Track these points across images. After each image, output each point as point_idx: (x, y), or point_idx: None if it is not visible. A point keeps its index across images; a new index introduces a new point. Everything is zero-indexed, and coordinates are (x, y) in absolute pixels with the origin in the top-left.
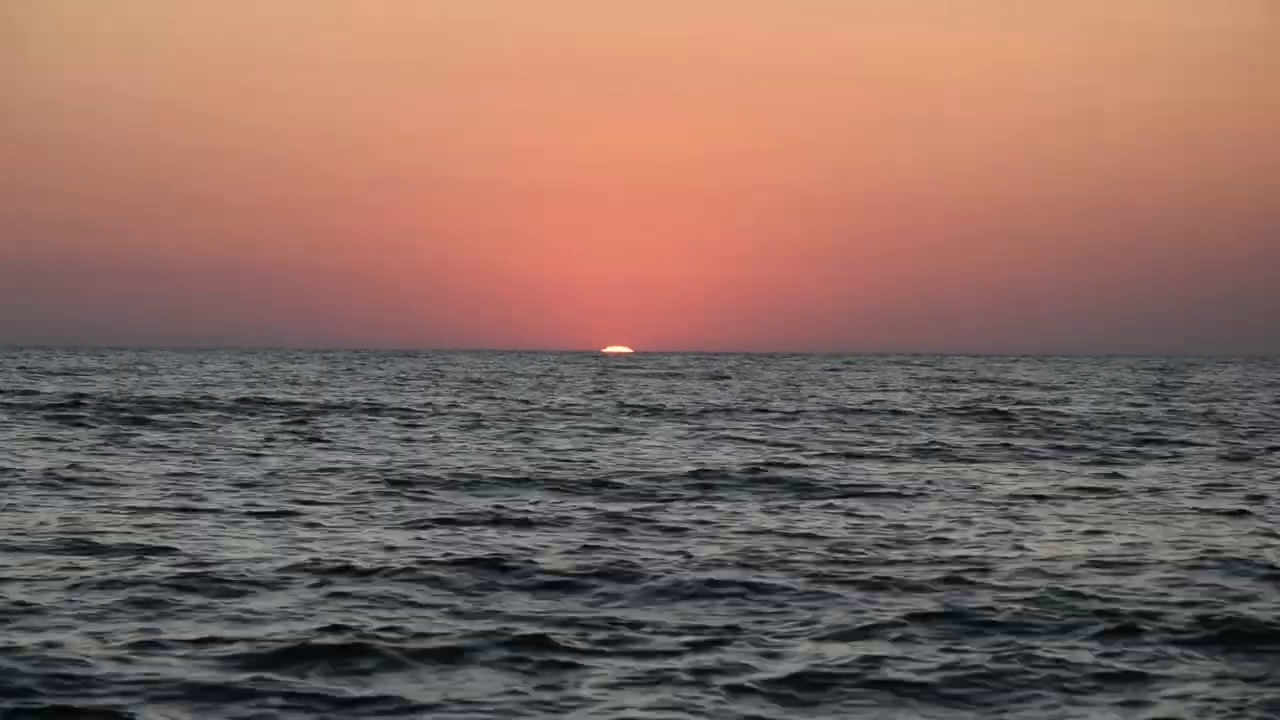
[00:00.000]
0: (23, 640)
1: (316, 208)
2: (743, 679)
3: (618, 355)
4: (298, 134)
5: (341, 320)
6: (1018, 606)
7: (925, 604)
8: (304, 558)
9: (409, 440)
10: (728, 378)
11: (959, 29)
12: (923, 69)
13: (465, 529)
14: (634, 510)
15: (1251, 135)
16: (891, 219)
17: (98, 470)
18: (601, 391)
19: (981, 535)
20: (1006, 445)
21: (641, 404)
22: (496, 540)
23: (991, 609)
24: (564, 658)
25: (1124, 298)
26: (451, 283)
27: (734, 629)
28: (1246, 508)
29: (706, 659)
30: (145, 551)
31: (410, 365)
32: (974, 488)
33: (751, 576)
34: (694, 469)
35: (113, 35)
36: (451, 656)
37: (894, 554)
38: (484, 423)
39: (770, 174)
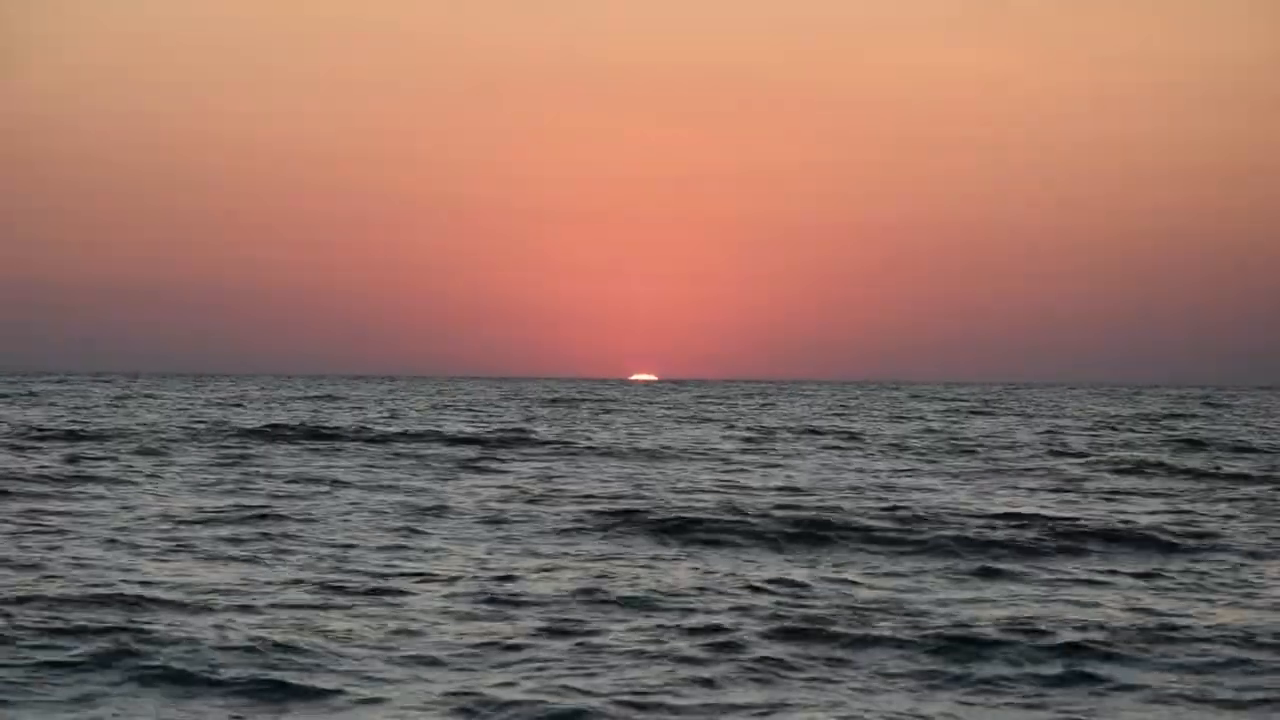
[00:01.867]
0: None
1: (326, 225)
2: None
3: (647, 383)
4: (305, 150)
5: (345, 344)
6: None
7: None
8: None
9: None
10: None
11: (976, 47)
12: (957, 91)
13: None
14: None
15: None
16: (924, 240)
17: None
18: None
19: None
20: None
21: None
22: None
23: None
24: None
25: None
26: (464, 307)
27: None
28: None
29: None
30: None
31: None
32: None
33: None
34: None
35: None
36: None
37: None
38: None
39: (790, 199)
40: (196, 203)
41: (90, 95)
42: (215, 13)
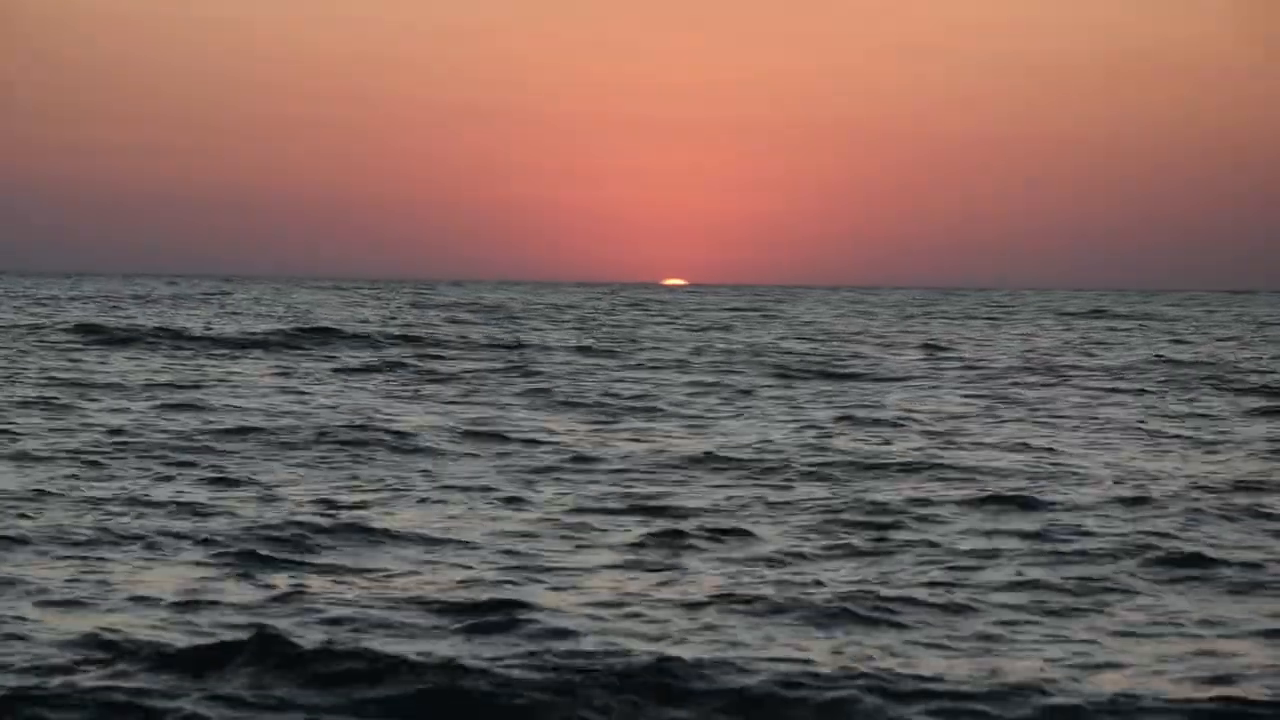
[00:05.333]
0: None
1: (360, 132)
2: None
3: (678, 288)
4: (350, 56)
5: (381, 247)
6: None
7: None
8: None
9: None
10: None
11: None
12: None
13: None
14: None
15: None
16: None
17: None
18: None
19: None
20: None
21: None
22: None
23: None
24: None
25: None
26: (493, 213)
27: None
28: None
29: None
30: None
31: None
32: None
33: None
34: None
35: None
36: None
37: None
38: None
39: (814, 106)
40: (212, 108)
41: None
42: None
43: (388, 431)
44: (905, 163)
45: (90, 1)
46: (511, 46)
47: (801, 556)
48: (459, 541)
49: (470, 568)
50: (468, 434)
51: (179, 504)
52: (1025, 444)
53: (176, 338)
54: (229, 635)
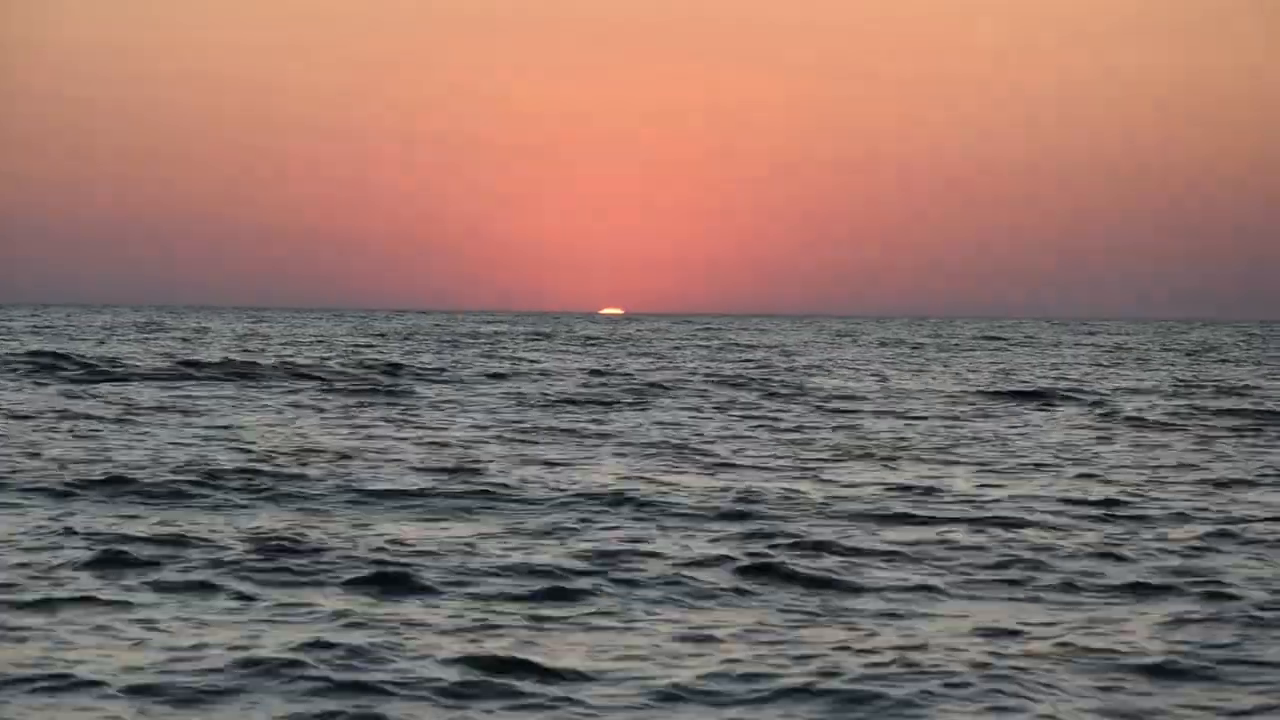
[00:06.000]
0: None
1: (307, 163)
2: None
3: (615, 317)
4: (302, 91)
5: (323, 280)
6: None
7: None
8: None
9: None
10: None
11: None
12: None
13: None
14: None
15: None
16: (889, 181)
17: None
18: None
19: None
20: None
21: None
22: None
23: None
24: None
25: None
26: (432, 242)
27: None
28: None
29: None
30: None
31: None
32: None
33: None
34: None
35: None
36: None
37: None
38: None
39: (762, 136)
40: (185, 141)
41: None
42: None
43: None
44: (861, 192)
45: None
46: (448, 75)
47: None
48: None
49: None
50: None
51: None
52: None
53: None
54: None
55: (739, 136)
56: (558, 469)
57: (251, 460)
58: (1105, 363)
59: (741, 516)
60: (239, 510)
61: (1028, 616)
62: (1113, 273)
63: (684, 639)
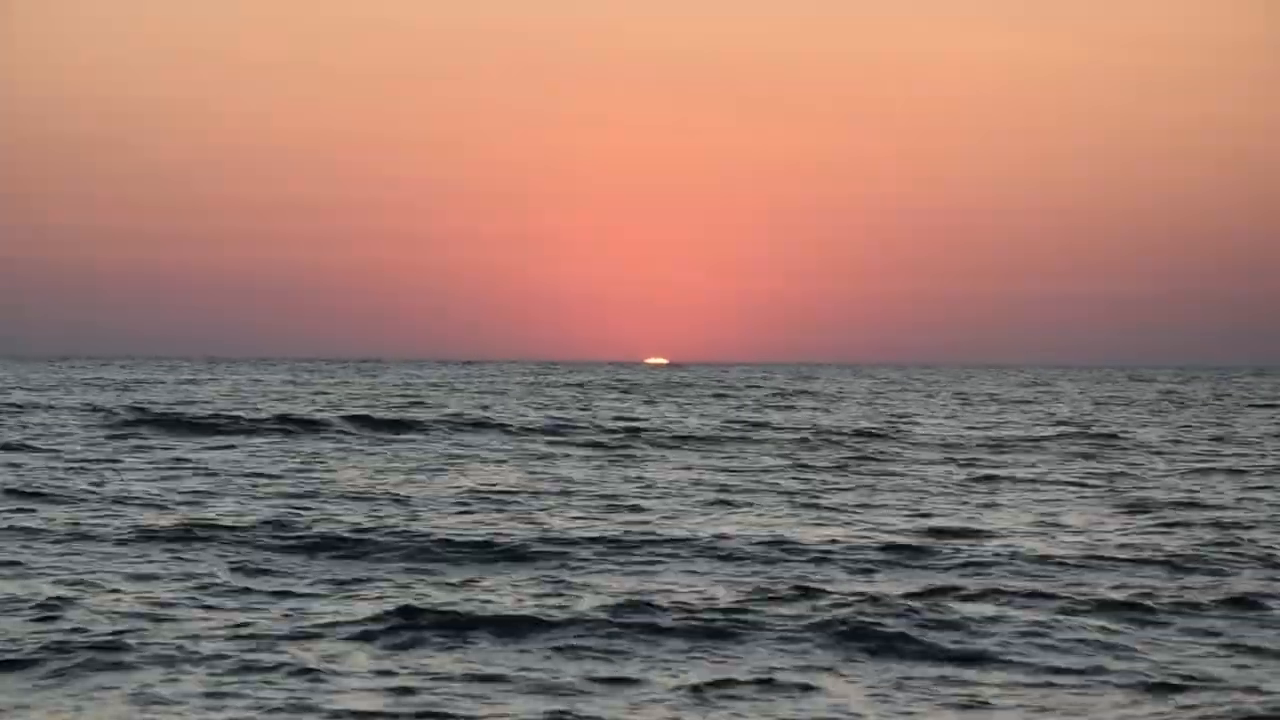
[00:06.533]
0: None
1: (335, 211)
2: None
3: (660, 367)
4: (316, 138)
5: (355, 328)
6: None
7: None
8: None
9: None
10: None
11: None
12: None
13: None
14: None
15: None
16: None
17: None
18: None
19: None
20: None
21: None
22: None
23: None
24: None
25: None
26: (473, 290)
27: None
28: None
29: None
30: None
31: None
32: None
33: None
34: None
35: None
36: None
37: None
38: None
39: (809, 185)
40: (209, 191)
41: (98, 83)
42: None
43: None
44: (893, 239)
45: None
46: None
47: None
48: None
49: None
50: None
51: None
52: None
53: None
54: None
55: (785, 183)
56: None
57: None
58: None
59: None
60: None
61: None
62: None
63: None
